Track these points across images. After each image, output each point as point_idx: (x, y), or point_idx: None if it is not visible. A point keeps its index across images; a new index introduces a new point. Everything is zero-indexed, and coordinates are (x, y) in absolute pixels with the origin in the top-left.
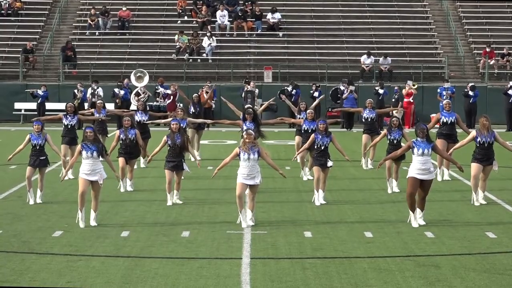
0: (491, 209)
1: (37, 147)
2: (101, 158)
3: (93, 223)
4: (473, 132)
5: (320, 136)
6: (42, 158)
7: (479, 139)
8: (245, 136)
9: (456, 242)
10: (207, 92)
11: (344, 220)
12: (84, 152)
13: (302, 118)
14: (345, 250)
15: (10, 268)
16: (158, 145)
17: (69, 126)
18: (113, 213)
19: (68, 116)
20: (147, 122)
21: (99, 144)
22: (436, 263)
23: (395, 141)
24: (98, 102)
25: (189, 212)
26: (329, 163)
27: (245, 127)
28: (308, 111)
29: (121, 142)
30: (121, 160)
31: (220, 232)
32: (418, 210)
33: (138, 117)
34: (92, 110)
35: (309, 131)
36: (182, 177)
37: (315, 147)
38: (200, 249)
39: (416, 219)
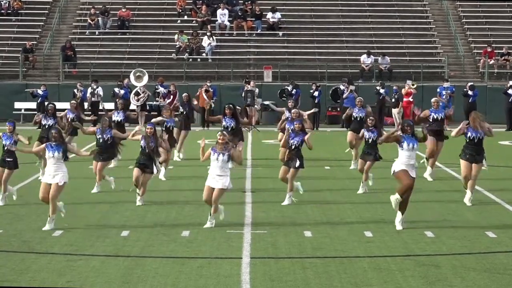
0: (491, 209)
1: (5, 148)
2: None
3: (47, 227)
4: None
5: (294, 135)
6: (9, 159)
7: (469, 134)
8: (218, 136)
9: (456, 241)
10: (206, 91)
11: (344, 219)
12: (46, 152)
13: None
14: (345, 249)
15: (10, 268)
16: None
17: (47, 126)
18: (113, 212)
19: (47, 117)
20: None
21: (64, 146)
22: (436, 263)
23: (370, 140)
24: (71, 102)
25: (189, 212)
26: (297, 163)
27: (224, 123)
28: (293, 110)
29: (96, 141)
30: (94, 164)
31: (220, 231)
32: (399, 214)
33: (115, 117)
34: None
35: None
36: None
37: (288, 146)
38: (200, 249)
39: (401, 221)
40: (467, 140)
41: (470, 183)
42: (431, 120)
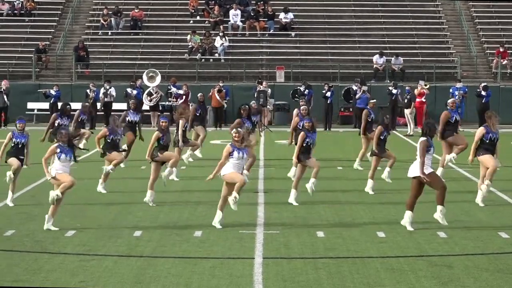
0: (504, 210)
1: (19, 145)
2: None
3: (51, 227)
4: (481, 130)
5: (310, 134)
6: (21, 157)
7: (490, 135)
8: (233, 134)
9: (469, 242)
10: (219, 91)
11: (356, 220)
12: (63, 155)
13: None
14: (358, 250)
15: (23, 268)
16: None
17: (62, 126)
18: (126, 213)
19: (63, 117)
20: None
21: (74, 148)
22: (449, 263)
23: (383, 138)
24: (84, 104)
25: (202, 212)
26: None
27: (246, 125)
28: (302, 107)
29: (108, 141)
30: (116, 156)
31: (233, 231)
32: (409, 214)
33: (130, 117)
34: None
35: None
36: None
37: (304, 145)
38: (213, 249)
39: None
40: (487, 141)
41: (488, 171)
42: (452, 122)
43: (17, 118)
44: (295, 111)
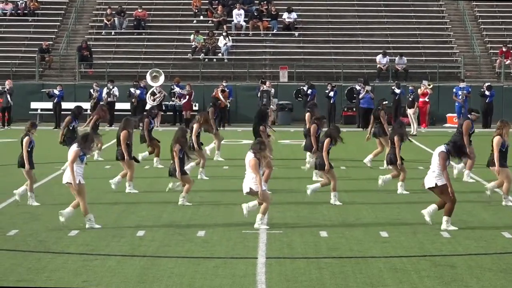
0: (507, 209)
1: (33, 148)
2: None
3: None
4: (498, 139)
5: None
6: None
7: (507, 144)
8: (266, 151)
9: (472, 242)
10: (222, 91)
11: (359, 220)
12: (85, 158)
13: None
14: (361, 249)
15: (27, 267)
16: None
17: (77, 129)
18: (129, 212)
19: (76, 120)
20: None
21: None
22: (452, 263)
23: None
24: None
25: (205, 212)
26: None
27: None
28: (324, 120)
29: (128, 143)
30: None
31: (236, 231)
32: (435, 207)
33: (153, 124)
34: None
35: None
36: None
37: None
38: (216, 249)
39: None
40: (503, 150)
41: (498, 184)
42: (471, 132)
43: (31, 121)
44: (307, 116)
